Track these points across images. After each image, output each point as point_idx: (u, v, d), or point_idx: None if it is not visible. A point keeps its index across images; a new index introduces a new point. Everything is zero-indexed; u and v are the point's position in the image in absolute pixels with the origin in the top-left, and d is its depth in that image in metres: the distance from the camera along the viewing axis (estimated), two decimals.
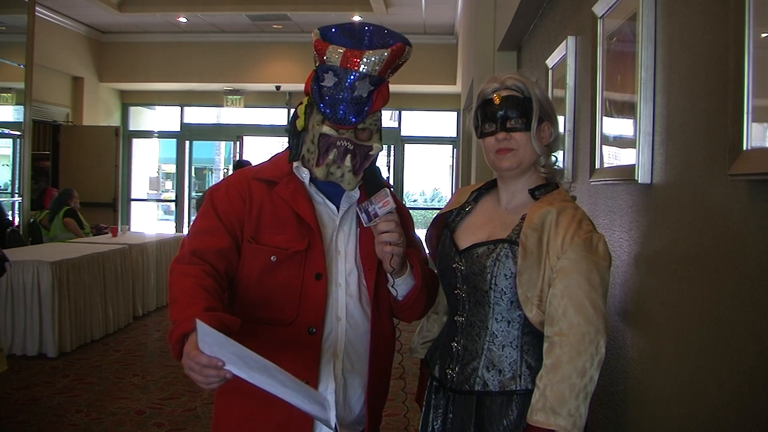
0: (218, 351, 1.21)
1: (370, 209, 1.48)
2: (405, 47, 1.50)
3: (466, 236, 1.58)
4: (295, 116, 1.58)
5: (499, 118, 1.52)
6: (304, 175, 1.58)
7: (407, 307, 1.60)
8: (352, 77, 1.47)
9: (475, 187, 1.70)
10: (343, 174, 1.52)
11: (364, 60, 1.46)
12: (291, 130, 1.59)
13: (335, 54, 1.47)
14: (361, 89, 1.48)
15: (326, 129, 1.51)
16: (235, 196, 1.55)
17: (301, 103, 1.57)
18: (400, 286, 1.56)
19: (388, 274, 1.56)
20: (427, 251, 1.80)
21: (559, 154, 1.63)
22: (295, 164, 1.59)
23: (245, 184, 1.57)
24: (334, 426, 1.28)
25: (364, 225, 1.50)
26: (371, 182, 1.53)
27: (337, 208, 1.60)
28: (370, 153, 1.54)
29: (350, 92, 1.48)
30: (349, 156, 1.51)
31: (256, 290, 1.54)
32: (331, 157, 1.51)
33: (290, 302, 1.52)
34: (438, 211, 1.83)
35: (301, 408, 1.31)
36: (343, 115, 1.49)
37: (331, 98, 1.49)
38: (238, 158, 10.90)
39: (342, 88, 1.48)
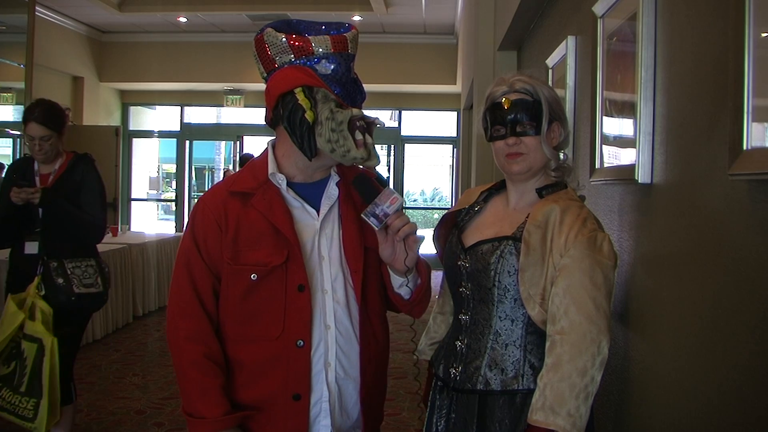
0: None
1: (377, 211, 1.42)
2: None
3: (474, 236, 1.58)
4: (300, 111, 1.46)
5: (509, 122, 1.51)
6: (281, 181, 1.55)
7: (417, 302, 1.60)
8: (348, 60, 1.52)
9: (485, 188, 1.69)
10: (370, 151, 1.54)
11: (349, 43, 1.51)
12: (300, 126, 1.46)
13: (323, 43, 1.49)
14: (351, 69, 1.54)
15: (356, 111, 1.50)
16: (211, 223, 1.54)
17: (284, 99, 1.50)
18: (411, 282, 1.55)
19: (397, 276, 1.54)
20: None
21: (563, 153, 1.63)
22: (270, 171, 1.55)
23: (221, 206, 1.55)
24: None
25: (376, 229, 1.45)
26: (363, 187, 1.50)
27: (317, 211, 1.57)
28: (377, 124, 1.56)
29: (348, 74, 1.52)
30: (368, 132, 1.53)
31: (242, 309, 1.53)
32: (360, 137, 1.50)
33: (275, 317, 1.50)
34: (439, 210, 1.83)
35: None
36: (353, 96, 1.53)
37: (339, 83, 1.50)
38: (240, 155, 10.89)
39: (343, 72, 1.51)
